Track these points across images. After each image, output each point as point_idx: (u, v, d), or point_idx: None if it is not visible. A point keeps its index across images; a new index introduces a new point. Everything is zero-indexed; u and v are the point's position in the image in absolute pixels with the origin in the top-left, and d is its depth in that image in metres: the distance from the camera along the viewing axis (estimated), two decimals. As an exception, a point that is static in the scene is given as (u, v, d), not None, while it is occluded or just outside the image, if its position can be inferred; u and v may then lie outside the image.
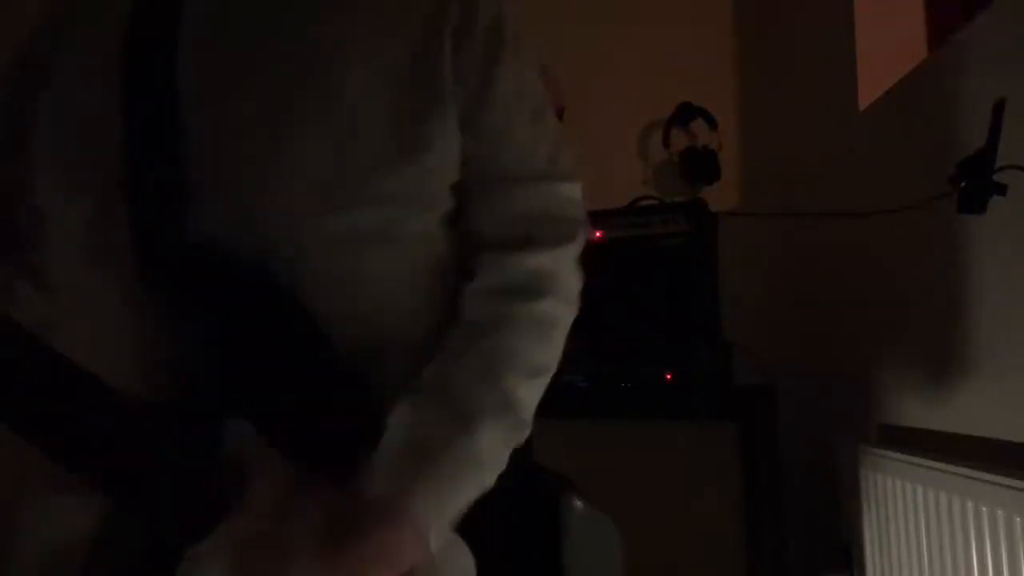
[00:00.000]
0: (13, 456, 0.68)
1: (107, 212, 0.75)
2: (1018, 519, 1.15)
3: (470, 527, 0.73)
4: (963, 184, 1.27)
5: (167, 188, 0.74)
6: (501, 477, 0.76)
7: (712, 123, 2.36)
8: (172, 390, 0.72)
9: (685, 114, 2.38)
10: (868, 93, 1.89)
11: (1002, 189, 1.23)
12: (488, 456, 0.75)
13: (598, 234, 1.90)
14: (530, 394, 0.79)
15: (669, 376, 1.82)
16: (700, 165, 2.34)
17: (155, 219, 0.74)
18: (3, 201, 0.85)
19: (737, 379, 1.88)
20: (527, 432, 0.79)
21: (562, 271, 0.84)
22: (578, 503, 0.79)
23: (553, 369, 0.82)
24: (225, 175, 0.75)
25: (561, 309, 0.83)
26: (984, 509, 1.23)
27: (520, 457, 0.78)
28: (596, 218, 1.89)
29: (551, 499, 0.78)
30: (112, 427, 0.67)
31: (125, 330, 0.74)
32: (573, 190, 0.87)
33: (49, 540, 0.73)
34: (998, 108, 1.22)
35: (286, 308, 0.73)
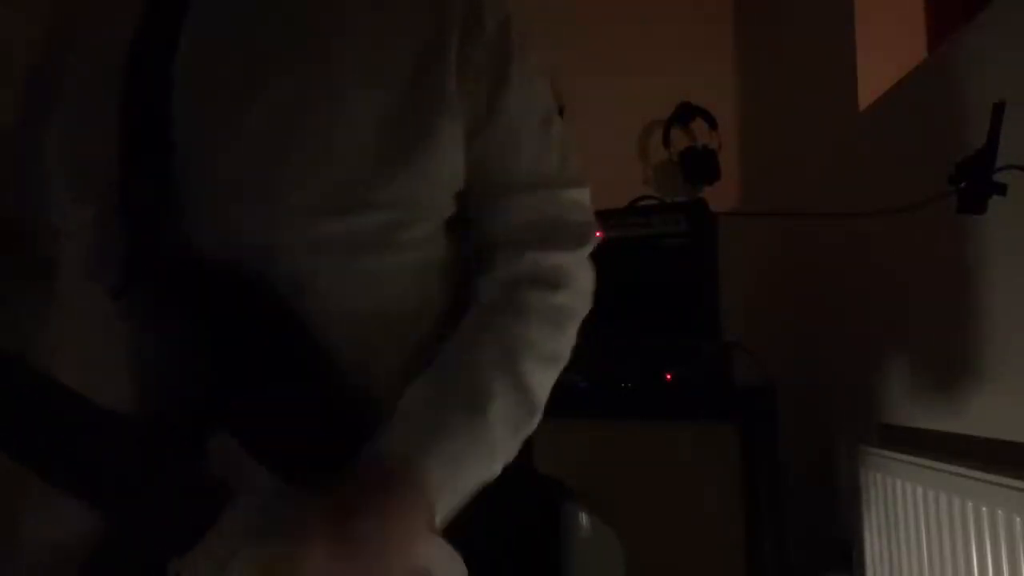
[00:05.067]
0: None
1: (106, 223, 0.75)
2: (1018, 519, 1.15)
3: (468, 536, 0.72)
4: (963, 184, 1.27)
5: (157, 202, 0.74)
6: (502, 486, 0.76)
7: (712, 123, 2.36)
8: (163, 402, 0.72)
9: (685, 114, 2.38)
10: (868, 93, 1.89)
11: (1002, 189, 1.23)
12: (500, 437, 0.76)
13: (598, 234, 1.90)
14: (543, 380, 0.80)
15: (669, 376, 1.82)
16: (700, 165, 2.35)
17: (145, 232, 0.74)
18: (22, 203, 0.86)
19: (737, 379, 1.88)
20: (537, 419, 0.80)
21: (577, 269, 0.86)
22: (583, 516, 0.79)
23: (566, 359, 0.83)
24: (220, 188, 0.75)
25: (576, 301, 0.85)
26: (984, 509, 1.23)
27: (522, 465, 0.78)
28: (596, 218, 1.89)
29: (554, 510, 0.77)
30: (95, 445, 0.67)
31: (120, 341, 0.75)
32: (582, 195, 0.89)
33: (50, 541, 0.73)
34: (998, 108, 1.22)
35: (279, 320, 0.73)
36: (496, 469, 0.76)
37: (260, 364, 0.73)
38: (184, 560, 0.65)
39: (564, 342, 0.83)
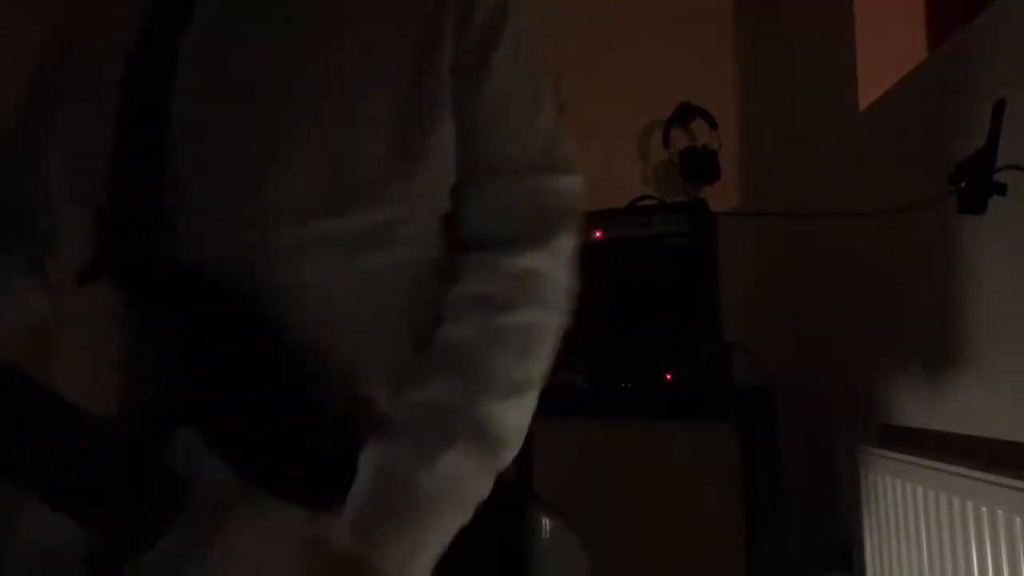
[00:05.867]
0: None
1: (102, 223, 0.75)
2: (1018, 519, 1.15)
3: None
4: (963, 184, 1.27)
5: (145, 202, 0.74)
6: None
7: (712, 123, 2.36)
8: (147, 402, 0.72)
9: (685, 114, 2.38)
10: (868, 93, 1.89)
11: (1002, 189, 1.23)
12: (458, 487, 0.73)
13: (598, 234, 1.90)
14: (509, 414, 0.76)
15: (669, 376, 1.82)
16: (700, 165, 2.35)
17: (130, 232, 0.74)
18: (24, 203, 0.86)
19: (737, 379, 1.88)
20: (510, 453, 0.77)
21: (552, 271, 0.81)
22: (546, 522, 0.78)
23: (539, 384, 0.79)
24: (220, 186, 0.75)
25: (547, 318, 0.80)
26: (984, 509, 1.23)
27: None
28: (596, 218, 1.90)
29: (518, 516, 0.76)
30: (60, 443, 0.66)
31: (109, 340, 0.75)
32: (569, 182, 0.84)
33: (45, 542, 0.73)
34: (998, 108, 1.22)
35: (264, 322, 0.73)
36: (466, 512, 0.73)
37: (240, 365, 0.72)
38: (139, 563, 0.64)
39: (534, 367, 0.79)
